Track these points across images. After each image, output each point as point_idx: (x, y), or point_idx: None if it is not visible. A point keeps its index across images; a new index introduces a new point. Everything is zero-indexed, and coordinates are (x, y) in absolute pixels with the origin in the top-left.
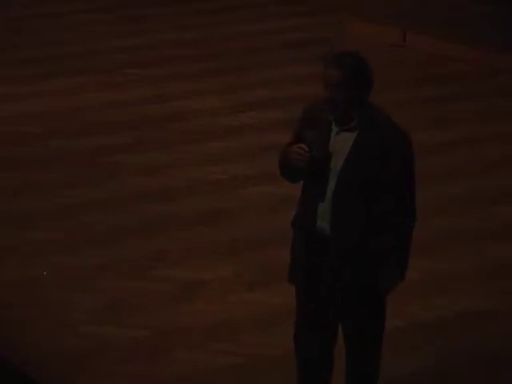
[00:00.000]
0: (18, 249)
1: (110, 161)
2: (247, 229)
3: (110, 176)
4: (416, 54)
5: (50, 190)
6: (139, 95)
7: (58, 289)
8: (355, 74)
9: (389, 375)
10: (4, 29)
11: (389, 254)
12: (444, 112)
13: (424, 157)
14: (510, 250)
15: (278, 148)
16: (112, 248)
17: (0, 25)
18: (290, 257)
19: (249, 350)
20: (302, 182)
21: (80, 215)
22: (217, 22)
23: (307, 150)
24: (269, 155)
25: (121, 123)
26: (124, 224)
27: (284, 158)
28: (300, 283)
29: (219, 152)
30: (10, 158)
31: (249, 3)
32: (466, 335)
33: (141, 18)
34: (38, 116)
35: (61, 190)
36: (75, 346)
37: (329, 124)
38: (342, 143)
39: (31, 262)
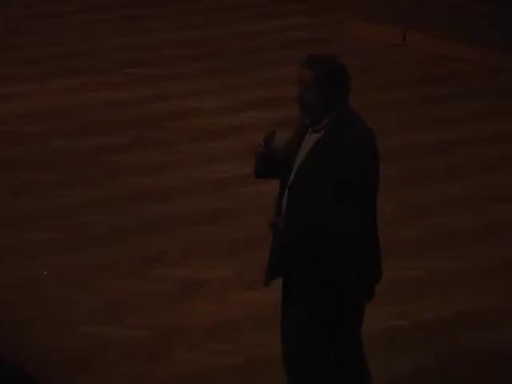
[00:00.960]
0: (17, 249)
1: (110, 161)
2: (247, 228)
3: (109, 176)
4: (416, 53)
5: (49, 189)
6: (139, 95)
7: (58, 289)
8: (322, 77)
9: (389, 375)
10: (4, 29)
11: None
12: (444, 112)
13: (424, 156)
14: (510, 249)
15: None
16: (112, 248)
17: (0, 25)
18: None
19: (249, 350)
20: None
21: (80, 215)
22: (217, 21)
23: (262, 145)
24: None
25: (121, 123)
26: (124, 224)
27: None
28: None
29: (219, 151)
30: (9, 158)
31: (249, 3)
32: (466, 335)
33: (141, 17)
34: (38, 116)
35: (61, 189)
36: (75, 346)
37: (307, 125)
38: (308, 143)
39: (31, 262)
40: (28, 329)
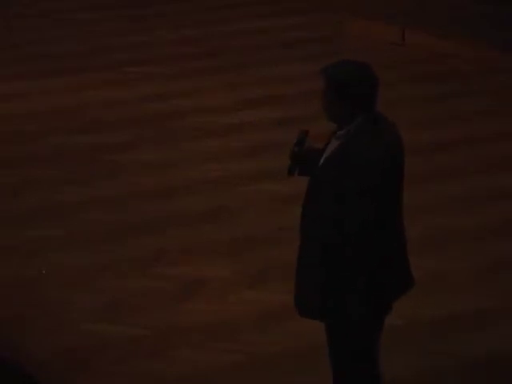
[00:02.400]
0: (17, 247)
1: (110, 159)
2: (247, 227)
3: (109, 174)
4: (415, 52)
5: (49, 188)
6: (139, 93)
7: (58, 288)
8: (333, 85)
9: (388, 375)
10: (4, 28)
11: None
12: (444, 111)
13: (423, 156)
14: (509, 249)
15: (278, 146)
16: (112, 247)
17: (0, 24)
18: None
19: (249, 349)
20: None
21: (80, 214)
22: (217, 19)
23: (296, 144)
24: (269, 153)
25: (120, 121)
26: (124, 223)
27: None
28: None
29: (219, 150)
30: (9, 156)
31: (248, 1)
32: (466, 335)
33: (140, 16)
34: (38, 114)
35: (60, 188)
36: (75, 346)
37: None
38: (329, 149)
39: (31, 261)
40: (28, 329)
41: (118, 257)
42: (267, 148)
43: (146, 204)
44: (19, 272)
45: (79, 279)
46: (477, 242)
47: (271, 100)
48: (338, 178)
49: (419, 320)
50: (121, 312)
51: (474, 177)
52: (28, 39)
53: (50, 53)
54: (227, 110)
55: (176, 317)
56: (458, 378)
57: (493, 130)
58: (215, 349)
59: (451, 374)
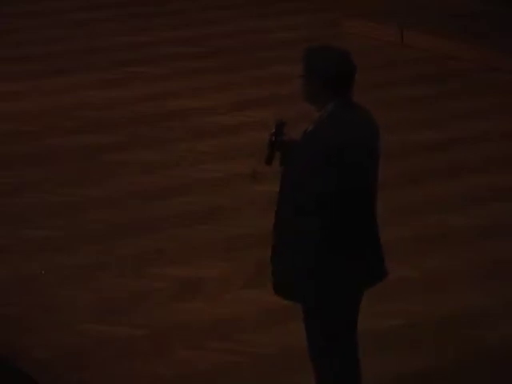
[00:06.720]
0: (16, 248)
1: (108, 159)
2: (244, 227)
3: (107, 174)
4: (414, 52)
5: (46, 188)
6: (136, 93)
7: (57, 287)
8: (307, 68)
9: (388, 375)
10: (2, 26)
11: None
12: (443, 110)
13: (423, 155)
14: (508, 249)
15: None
16: (109, 246)
17: None
18: None
19: (247, 348)
20: None
21: (77, 214)
22: (215, 19)
23: (273, 134)
24: (266, 153)
25: (118, 121)
26: (121, 222)
27: None
28: None
29: (216, 150)
30: (7, 156)
31: (246, 1)
32: (466, 335)
33: (139, 16)
34: (36, 114)
35: (58, 188)
36: (74, 345)
37: None
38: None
39: (30, 261)
40: (27, 329)
41: (116, 257)
42: (264, 148)
43: (144, 204)
44: (18, 272)
45: (78, 279)
46: (476, 241)
47: (269, 100)
48: (303, 155)
49: (419, 320)
50: (120, 312)
51: (473, 177)
52: (26, 38)
53: (49, 52)
54: (225, 110)
55: (174, 316)
56: (458, 378)
57: (493, 129)
58: (214, 348)
59: (451, 373)
